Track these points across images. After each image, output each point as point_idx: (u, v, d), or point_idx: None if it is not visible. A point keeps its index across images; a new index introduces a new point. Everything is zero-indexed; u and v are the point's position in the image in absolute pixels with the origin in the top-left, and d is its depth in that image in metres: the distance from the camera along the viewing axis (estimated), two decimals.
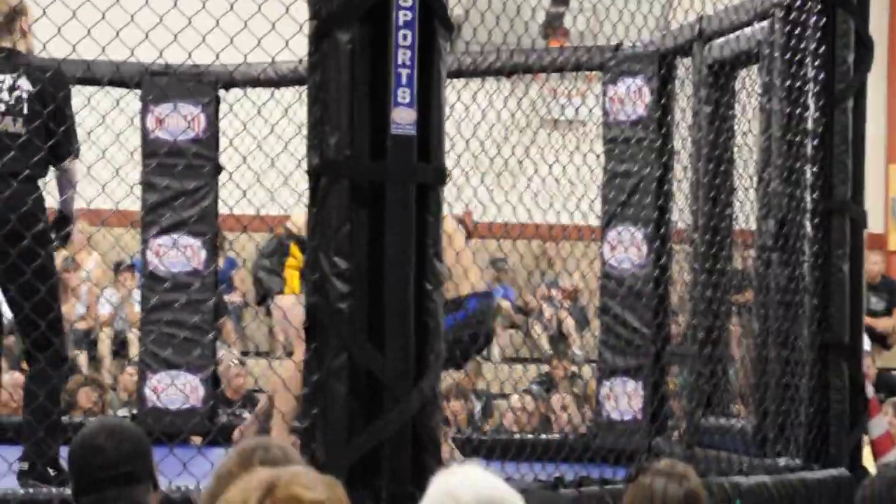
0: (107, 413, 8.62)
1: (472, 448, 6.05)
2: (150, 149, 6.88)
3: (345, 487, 4.02)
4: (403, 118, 3.99)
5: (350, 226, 4.08)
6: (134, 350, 9.60)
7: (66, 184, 4.97)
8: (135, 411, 7.52)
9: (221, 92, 6.92)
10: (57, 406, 4.76)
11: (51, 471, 4.72)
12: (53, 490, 4.51)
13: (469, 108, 6.24)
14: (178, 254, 6.97)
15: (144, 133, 6.87)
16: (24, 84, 4.85)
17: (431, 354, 4.24)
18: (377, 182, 4.07)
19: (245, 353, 9.83)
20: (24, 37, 4.91)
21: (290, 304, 6.13)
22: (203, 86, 6.82)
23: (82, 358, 9.64)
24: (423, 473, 4.15)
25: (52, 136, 4.85)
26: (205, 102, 6.83)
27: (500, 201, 6.71)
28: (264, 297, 6.06)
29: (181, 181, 6.87)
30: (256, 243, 8.17)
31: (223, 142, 6.89)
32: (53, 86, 4.88)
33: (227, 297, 9.71)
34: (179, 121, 6.83)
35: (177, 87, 6.79)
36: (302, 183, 4.39)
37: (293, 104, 4.43)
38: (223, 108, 6.89)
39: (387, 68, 3.99)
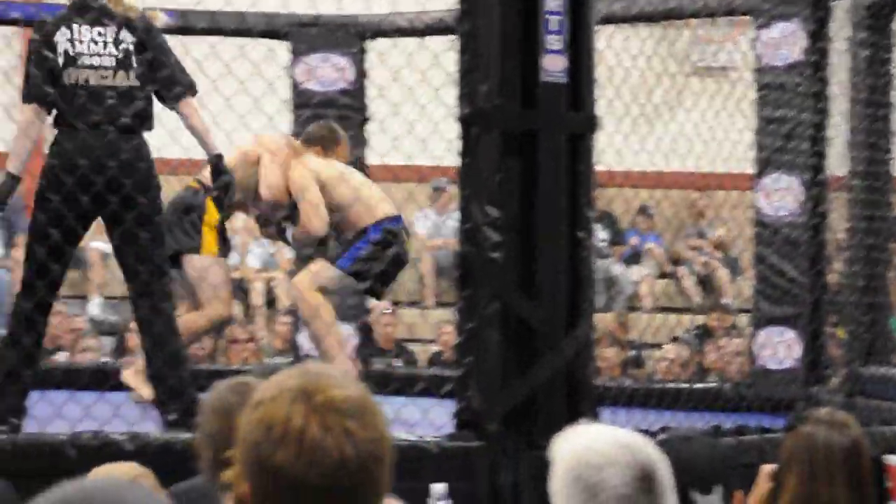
0: (261, 362, 8.82)
1: (626, 397, 6.06)
2: (300, 100, 6.99)
3: (500, 434, 4.12)
4: (554, 66, 4.01)
5: (501, 175, 4.13)
6: (284, 300, 9.79)
7: (193, 126, 5.00)
8: (290, 359, 7.68)
9: (368, 42, 6.99)
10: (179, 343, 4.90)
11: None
12: None
13: (619, 56, 6.22)
14: None
15: (294, 84, 6.98)
16: (127, 36, 4.93)
17: (584, 302, 4.28)
18: (528, 131, 4.11)
19: (396, 304, 9.96)
20: None
21: (206, 265, 6.11)
22: (350, 36, 6.90)
23: (236, 308, 9.87)
24: (577, 420, 4.19)
25: (155, 83, 4.93)
26: (352, 53, 6.91)
27: (649, 149, 6.68)
28: (176, 256, 6.01)
29: None
30: (409, 192, 8.26)
31: (371, 92, 6.96)
32: (149, 35, 4.95)
33: None
34: (329, 71, 6.93)
35: (325, 38, 6.88)
36: (451, 132, 4.45)
37: (441, 52, 4.48)
38: (371, 57, 6.96)
39: (536, 15, 4.01)
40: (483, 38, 4.05)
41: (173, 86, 4.92)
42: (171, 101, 4.95)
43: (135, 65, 4.91)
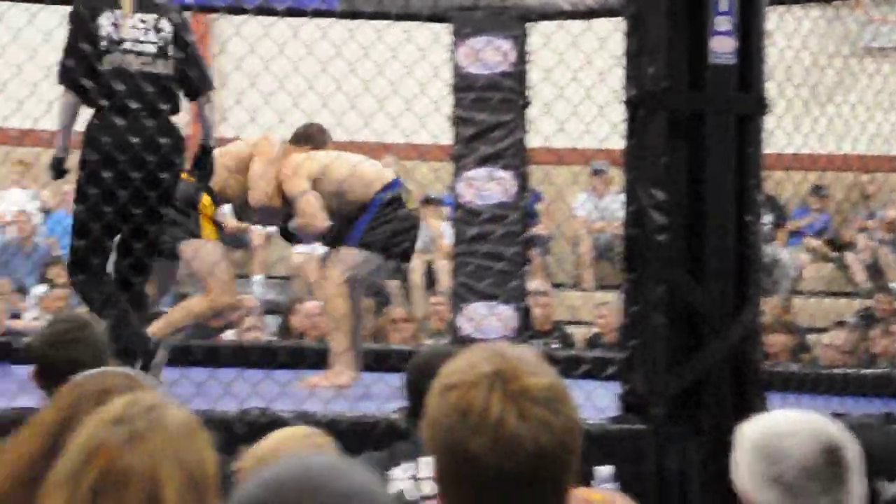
0: (419, 342, 8.91)
1: (794, 382, 5.99)
2: (463, 83, 7.03)
3: (667, 419, 4.11)
4: (723, 47, 3.99)
5: (668, 157, 4.12)
6: (444, 281, 9.88)
7: (207, 117, 5.20)
8: (446, 340, 7.76)
9: (529, 25, 6.99)
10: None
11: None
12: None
13: (790, 37, 6.13)
14: (494, 186, 7.11)
15: (456, 67, 7.02)
16: (166, 25, 5.05)
17: (751, 287, 4.25)
18: (696, 113, 4.09)
19: (556, 286, 9.98)
20: None
21: (197, 246, 6.15)
22: (512, 19, 6.92)
23: (395, 289, 9.99)
24: (744, 406, 4.17)
25: (186, 75, 5.09)
26: (514, 36, 6.92)
27: (819, 132, 6.58)
28: (172, 249, 6.09)
29: (493, 114, 6.99)
30: (575, 174, 8.26)
31: (534, 75, 6.96)
32: (185, 27, 5.10)
33: (534, 230, 9.86)
34: (491, 54, 6.95)
35: (487, 21, 6.91)
36: (615, 115, 4.45)
37: (606, 36, 4.48)
38: (535, 40, 6.97)
39: None
40: (651, 20, 4.04)
41: (203, 79, 5.12)
42: (198, 92, 5.14)
43: (171, 53, 5.05)
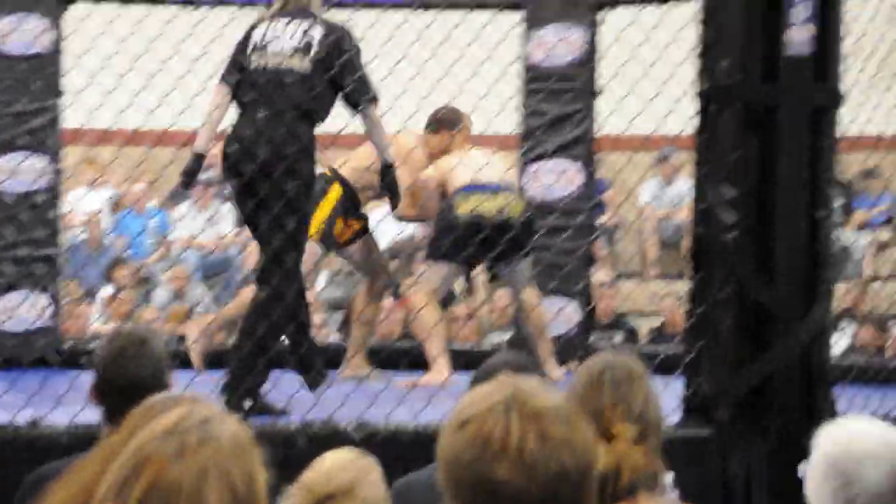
0: (482, 339, 8.82)
1: (868, 373, 5.83)
2: (531, 73, 6.93)
3: (732, 422, 4.00)
4: (799, 37, 3.86)
5: (739, 151, 4.00)
6: None
7: (371, 131, 5.12)
8: (508, 336, 7.66)
9: (603, 13, 6.87)
10: (273, 341, 4.86)
11: (247, 401, 4.76)
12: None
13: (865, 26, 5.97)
14: (561, 178, 7.01)
15: (526, 57, 6.92)
16: (317, 31, 5.04)
17: (823, 285, 4.12)
18: (770, 105, 3.96)
19: (617, 276, 9.85)
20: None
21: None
22: (582, 8, 6.80)
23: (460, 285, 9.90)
24: (813, 409, 4.06)
25: (339, 83, 5.00)
26: (584, 24, 6.80)
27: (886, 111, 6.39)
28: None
29: (560, 105, 6.89)
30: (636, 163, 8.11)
31: (604, 65, 6.85)
32: (344, 38, 5.03)
33: (599, 220, 9.74)
34: (559, 44, 6.84)
35: (556, 10, 6.80)
36: (685, 106, 4.32)
37: (682, 28, 4.35)
38: (605, 29, 6.85)
39: None
40: (725, 10, 3.92)
41: (365, 92, 5.00)
42: (360, 105, 5.03)
43: (312, 54, 4.99)
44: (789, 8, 3.85)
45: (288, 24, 5.07)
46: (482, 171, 6.12)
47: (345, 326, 8.86)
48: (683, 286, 5.22)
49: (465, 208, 6.10)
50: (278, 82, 4.94)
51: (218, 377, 4.85)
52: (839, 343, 8.17)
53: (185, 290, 9.64)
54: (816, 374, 4.15)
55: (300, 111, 4.93)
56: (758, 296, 4.06)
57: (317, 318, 8.72)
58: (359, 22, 6.09)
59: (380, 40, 5.77)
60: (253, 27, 5.13)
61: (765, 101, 3.96)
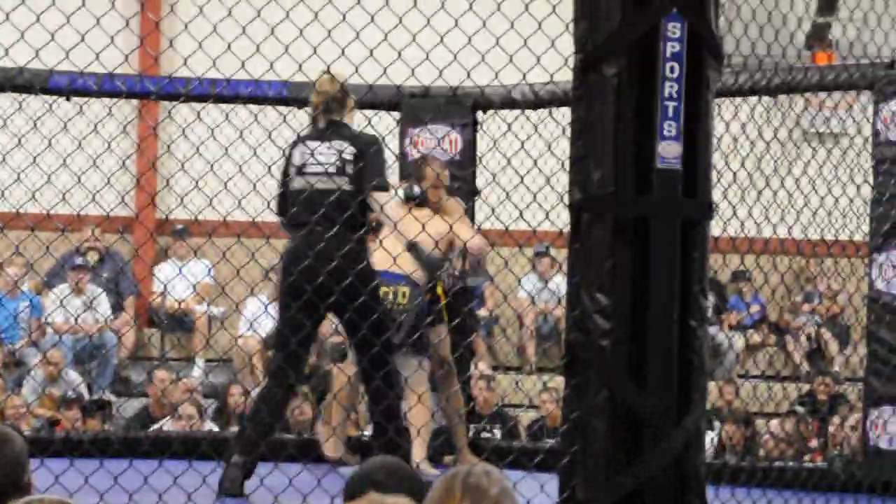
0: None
1: (733, 474, 5.92)
2: (405, 170, 6.98)
3: None
4: (669, 152, 3.94)
5: (612, 261, 4.06)
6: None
7: (378, 211, 5.74)
8: None
9: (479, 114, 6.98)
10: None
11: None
12: None
13: (730, 128, 6.13)
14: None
15: (402, 155, 6.99)
16: (349, 149, 5.67)
17: (695, 392, 4.18)
18: (641, 217, 4.03)
19: (495, 368, 9.91)
20: (351, 111, 5.79)
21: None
22: (460, 107, 6.88)
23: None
24: None
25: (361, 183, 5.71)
26: (462, 124, 6.89)
27: (757, 217, 6.57)
28: None
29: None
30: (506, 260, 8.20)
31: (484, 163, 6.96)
32: (368, 146, 5.72)
33: (479, 313, 9.80)
34: (434, 142, 6.91)
35: (434, 110, 6.88)
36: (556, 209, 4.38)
37: (555, 139, 4.44)
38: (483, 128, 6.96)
39: (652, 101, 3.94)
40: (598, 124, 3.99)
41: (369, 176, 5.65)
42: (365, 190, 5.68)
43: (349, 171, 5.63)
44: (661, 122, 3.93)
45: (322, 145, 5.69)
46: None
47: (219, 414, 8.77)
48: (561, 381, 5.29)
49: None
50: (319, 200, 5.53)
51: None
52: (708, 440, 8.30)
53: (60, 375, 9.49)
54: (691, 479, 4.20)
55: (344, 224, 5.54)
56: (631, 402, 4.10)
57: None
58: (241, 113, 6.14)
59: None
60: (289, 152, 5.75)
61: (637, 212, 4.02)
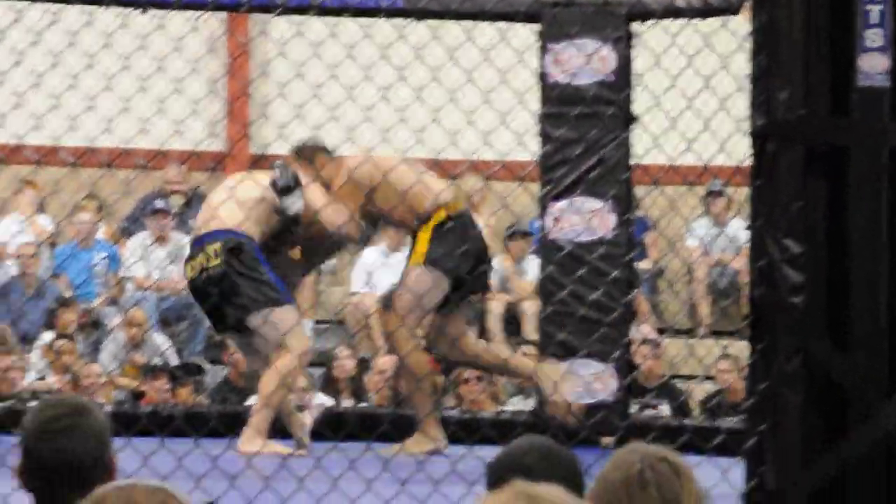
0: (500, 405, 8.88)
1: None
2: (549, 93, 7.01)
3: None
4: (873, 66, 3.92)
5: (804, 200, 4.06)
6: (528, 327, 9.85)
7: None
8: (532, 404, 7.69)
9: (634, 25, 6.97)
10: None
11: None
12: None
13: None
14: (580, 218, 7.08)
15: (542, 74, 7.01)
16: None
17: None
18: (839, 146, 4.03)
19: (661, 331, 9.91)
20: None
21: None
22: (613, 17, 6.88)
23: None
24: None
25: None
26: (615, 38, 6.89)
27: None
28: None
29: (584, 131, 6.97)
30: (670, 200, 8.21)
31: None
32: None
33: (639, 265, 9.81)
34: (582, 60, 6.92)
35: (580, 21, 6.88)
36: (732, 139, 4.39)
37: (730, 53, 4.42)
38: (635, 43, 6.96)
39: (851, 5, 3.93)
40: (784, 33, 3.98)
41: None
42: None
43: None
44: (862, 31, 3.91)
45: None
46: None
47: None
48: (744, 347, 5.30)
49: None
50: None
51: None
52: None
53: (143, 339, 9.64)
54: None
55: None
56: (831, 370, 4.11)
57: None
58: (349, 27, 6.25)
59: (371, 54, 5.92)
60: None
61: (834, 140, 4.01)
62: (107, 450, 2.95)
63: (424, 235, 6.64)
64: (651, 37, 6.80)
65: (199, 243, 6.59)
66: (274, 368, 6.43)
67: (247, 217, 6.52)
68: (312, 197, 6.68)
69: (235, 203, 6.47)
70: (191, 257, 6.65)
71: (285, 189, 6.60)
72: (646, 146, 6.83)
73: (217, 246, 6.47)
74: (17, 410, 6.54)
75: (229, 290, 6.47)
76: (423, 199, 6.58)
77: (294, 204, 6.61)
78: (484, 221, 9.56)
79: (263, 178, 6.68)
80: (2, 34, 6.17)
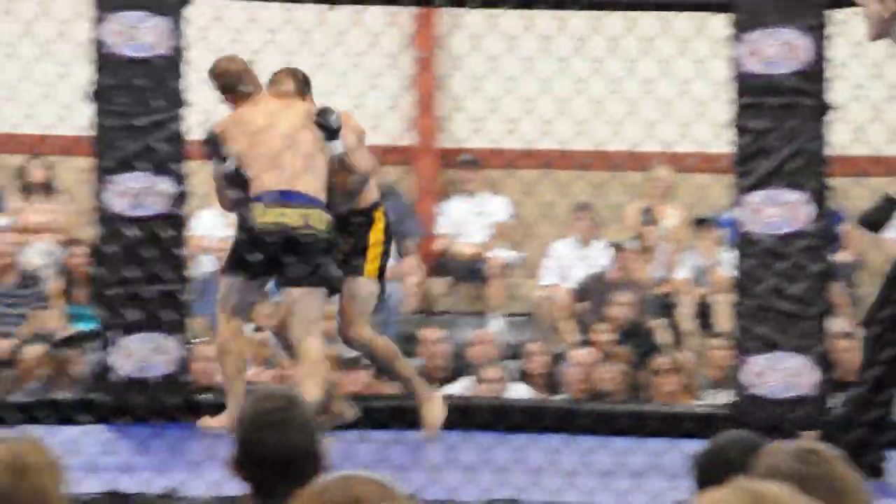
0: (695, 398, 8.83)
1: None
2: (743, 83, 6.96)
3: None
4: None
5: None
6: (722, 320, 9.78)
7: None
8: (733, 397, 7.65)
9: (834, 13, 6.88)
10: None
11: None
12: None
13: None
14: (778, 210, 7.02)
15: (736, 64, 6.95)
16: None
17: None
18: None
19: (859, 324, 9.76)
20: None
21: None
22: (807, 6, 6.80)
23: (660, 329, 9.92)
24: None
25: None
26: (809, 26, 6.81)
27: None
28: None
29: (780, 122, 6.91)
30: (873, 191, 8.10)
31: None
32: None
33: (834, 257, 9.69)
34: (779, 49, 6.85)
35: (775, 9, 6.81)
36: None
37: None
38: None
39: None
40: None
41: None
42: None
43: None
44: None
45: None
46: None
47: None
48: None
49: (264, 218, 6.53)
50: None
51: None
52: None
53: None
54: None
55: None
56: None
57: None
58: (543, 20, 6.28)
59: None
60: None
61: None
62: (318, 440, 3.04)
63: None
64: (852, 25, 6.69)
65: (298, 198, 6.54)
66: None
67: (323, 188, 6.58)
68: (349, 141, 6.62)
69: (318, 173, 6.57)
70: (283, 204, 6.53)
71: (334, 133, 6.53)
72: (847, 137, 6.76)
73: (325, 217, 6.51)
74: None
75: (327, 256, 6.54)
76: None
77: (336, 148, 6.56)
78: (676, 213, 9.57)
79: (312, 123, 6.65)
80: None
